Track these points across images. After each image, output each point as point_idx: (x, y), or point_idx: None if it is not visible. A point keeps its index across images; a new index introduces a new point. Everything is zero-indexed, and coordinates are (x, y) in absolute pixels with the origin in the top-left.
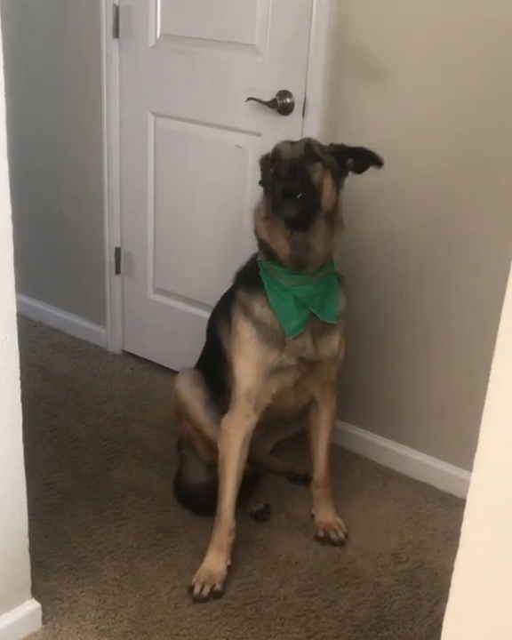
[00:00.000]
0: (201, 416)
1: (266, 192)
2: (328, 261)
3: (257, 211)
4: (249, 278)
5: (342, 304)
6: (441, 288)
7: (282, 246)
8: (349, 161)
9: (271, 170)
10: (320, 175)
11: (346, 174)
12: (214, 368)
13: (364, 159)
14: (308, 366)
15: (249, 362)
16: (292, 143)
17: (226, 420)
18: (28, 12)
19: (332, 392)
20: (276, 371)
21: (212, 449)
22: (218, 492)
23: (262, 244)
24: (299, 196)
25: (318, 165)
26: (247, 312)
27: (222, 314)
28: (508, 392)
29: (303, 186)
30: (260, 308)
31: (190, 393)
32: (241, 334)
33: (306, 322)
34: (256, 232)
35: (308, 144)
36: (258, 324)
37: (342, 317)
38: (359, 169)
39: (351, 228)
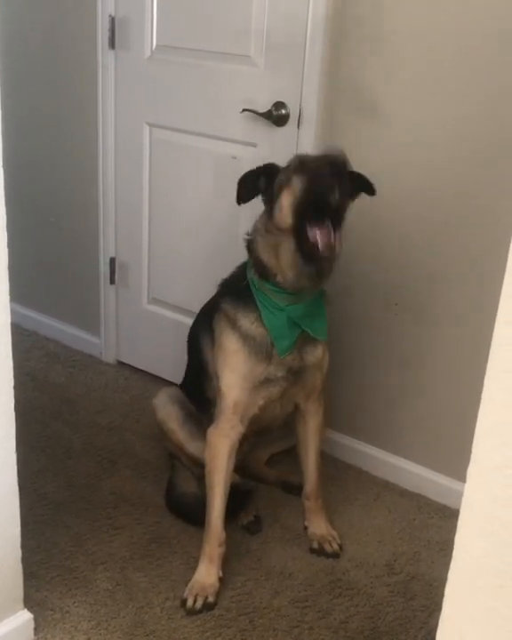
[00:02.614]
0: (178, 433)
1: (268, 208)
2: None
3: (257, 230)
4: (235, 290)
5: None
6: (435, 299)
7: (286, 273)
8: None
9: (298, 175)
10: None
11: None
12: (197, 380)
13: (361, 186)
14: (295, 375)
15: (236, 374)
16: (328, 175)
17: (211, 431)
18: (25, 22)
19: (319, 403)
20: (264, 383)
21: (197, 463)
22: (206, 505)
23: (259, 263)
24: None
25: (346, 188)
26: (234, 325)
27: (204, 324)
28: (501, 404)
29: (347, 180)
30: (249, 324)
31: (164, 411)
32: (227, 346)
33: (296, 341)
34: (254, 251)
35: (345, 162)
36: (246, 337)
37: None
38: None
39: (349, 242)
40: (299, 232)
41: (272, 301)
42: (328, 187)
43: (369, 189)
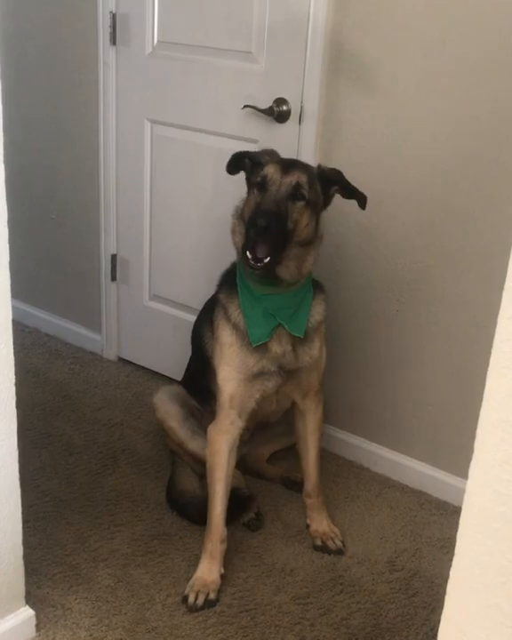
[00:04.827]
0: (178, 432)
1: (249, 192)
2: (303, 278)
3: (237, 210)
4: (230, 280)
5: (321, 313)
6: (437, 296)
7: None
8: (335, 188)
9: (254, 191)
10: (298, 214)
11: (330, 200)
12: (201, 377)
13: (349, 194)
14: (289, 373)
15: (230, 367)
16: (284, 172)
17: (211, 428)
18: (26, 19)
19: (317, 401)
20: (258, 375)
21: (198, 461)
22: (208, 501)
23: (237, 247)
24: (267, 255)
25: (300, 204)
26: (227, 315)
27: (206, 320)
28: (503, 401)
29: (276, 236)
30: (234, 310)
31: (164, 409)
32: (222, 339)
33: (272, 331)
34: (232, 233)
35: (298, 184)
36: (236, 327)
37: (322, 325)
38: (345, 196)
39: (349, 237)
40: (246, 235)
41: (251, 289)
42: (274, 215)
43: (359, 202)
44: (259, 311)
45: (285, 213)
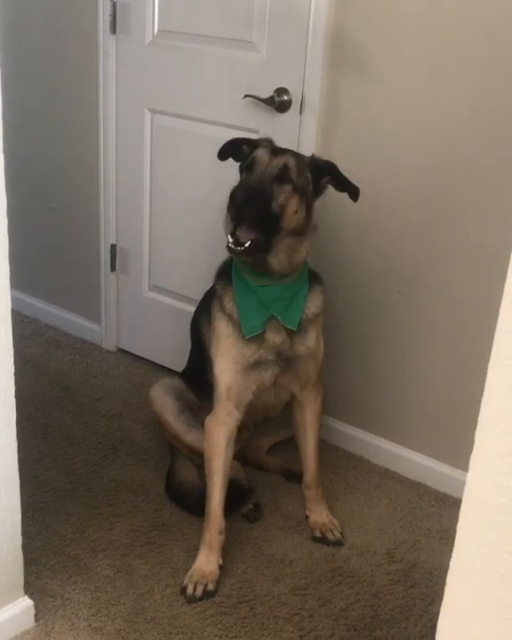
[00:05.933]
0: (174, 425)
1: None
2: (297, 270)
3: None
4: (227, 272)
5: (318, 305)
6: (437, 288)
7: None
8: (327, 178)
9: (243, 174)
10: (285, 198)
11: (322, 191)
12: (200, 369)
13: (342, 186)
14: (286, 362)
15: (227, 358)
16: (273, 155)
17: (209, 419)
18: (26, 7)
19: (316, 392)
20: (254, 366)
21: (195, 453)
22: (206, 492)
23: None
24: (249, 239)
25: (287, 188)
26: (222, 307)
27: (204, 312)
28: (505, 393)
29: (259, 212)
30: (228, 302)
31: (159, 402)
32: (218, 330)
33: (265, 323)
34: (224, 223)
35: (285, 166)
36: (232, 318)
37: (319, 317)
38: (338, 188)
39: (348, 229)
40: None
41: (246, 281)
42: (255, 192)
43: (351, 194)
44: (252, 303)
45: (269, 193)
